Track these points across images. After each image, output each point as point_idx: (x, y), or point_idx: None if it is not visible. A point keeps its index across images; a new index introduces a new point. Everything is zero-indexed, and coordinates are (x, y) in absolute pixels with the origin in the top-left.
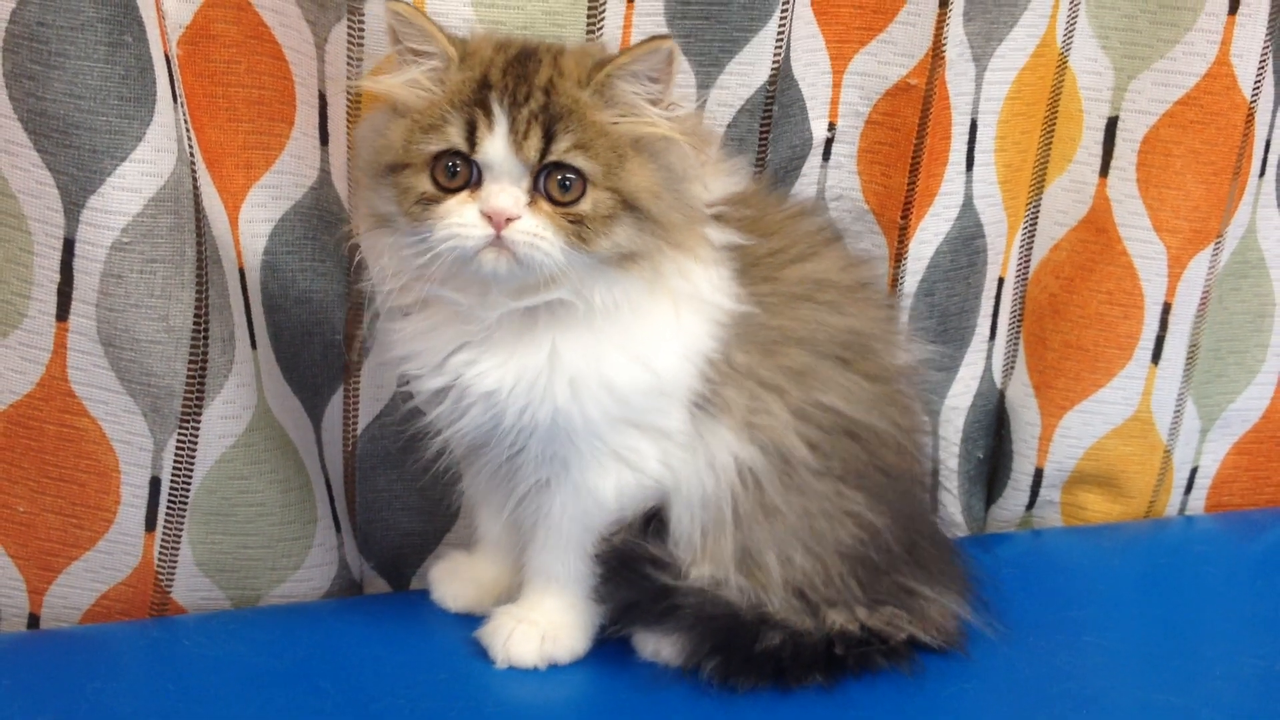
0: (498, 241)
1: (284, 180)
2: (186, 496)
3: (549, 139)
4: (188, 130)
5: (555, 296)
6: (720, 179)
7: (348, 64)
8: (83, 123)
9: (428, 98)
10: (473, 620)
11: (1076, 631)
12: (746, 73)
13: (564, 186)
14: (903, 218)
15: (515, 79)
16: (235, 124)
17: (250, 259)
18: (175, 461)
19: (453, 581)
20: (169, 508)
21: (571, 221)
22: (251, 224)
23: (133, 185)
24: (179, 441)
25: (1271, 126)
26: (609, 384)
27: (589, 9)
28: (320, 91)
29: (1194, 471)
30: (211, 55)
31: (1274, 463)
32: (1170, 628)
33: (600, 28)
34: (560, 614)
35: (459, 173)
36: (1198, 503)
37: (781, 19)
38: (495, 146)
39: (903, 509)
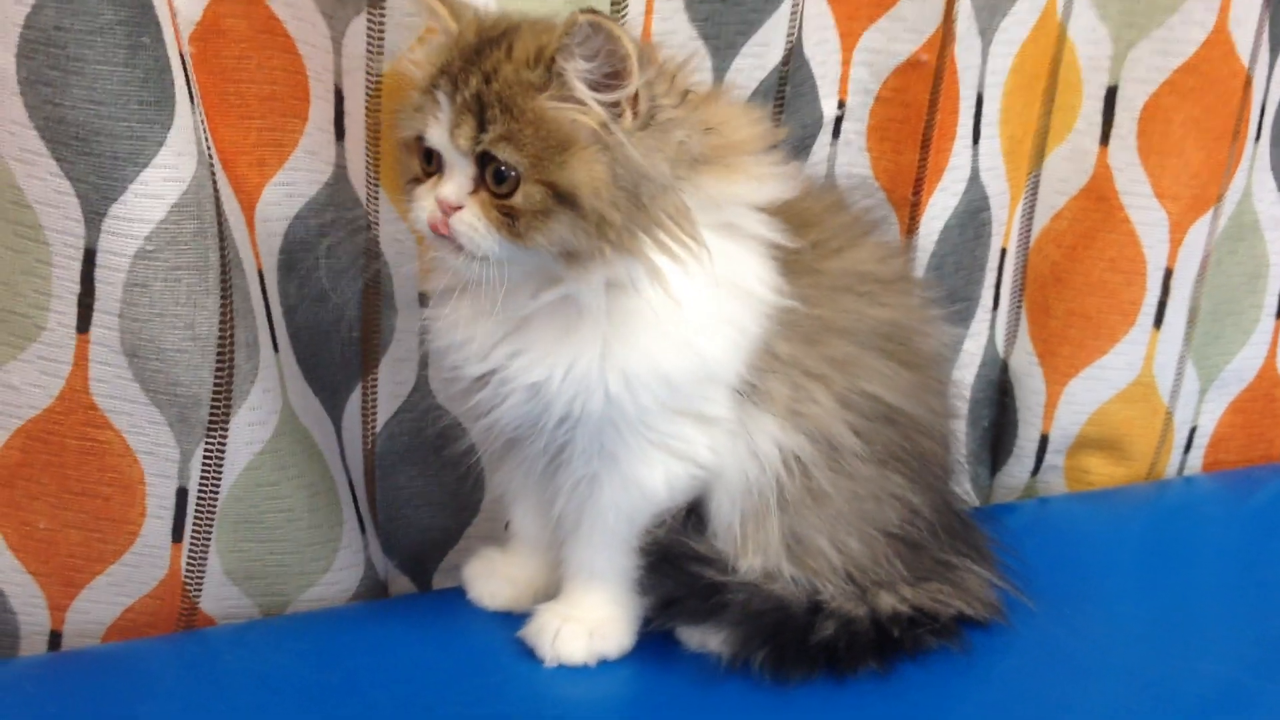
0: (448, 228)
1: (298, 177)
2: (214, 505)
3: (481, 128)
4: (204, 131)
5: (560, 294)
6: (761, 185)
7: (368, 57)
8: (103, 129)
9: (421, 77)
10: (510, 618)
11: (1108, 601)
12: (760, 54)
13: (499, 178)
14: (914, 194)
15: (466, 64)
16: (247, 121)
17: (267, 259)
18: (203, 471)
19: (489, 580)
20: (196, 518)
21: (504, 214)
22: (267, 223)
23: (155, 192)
24: (206, 451)
25: (1266, 91)
26: (662, 372)
27: None
28: (336, 86)
29: (1193, 431)
30: (222, 51)
31: (1267, 420)
32: (1198, 592)
33: (624, 12)
34: (606, 609)
35: (432, 159)
36: (1195, 461)
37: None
38: (437, 134)
39: (938, 488)
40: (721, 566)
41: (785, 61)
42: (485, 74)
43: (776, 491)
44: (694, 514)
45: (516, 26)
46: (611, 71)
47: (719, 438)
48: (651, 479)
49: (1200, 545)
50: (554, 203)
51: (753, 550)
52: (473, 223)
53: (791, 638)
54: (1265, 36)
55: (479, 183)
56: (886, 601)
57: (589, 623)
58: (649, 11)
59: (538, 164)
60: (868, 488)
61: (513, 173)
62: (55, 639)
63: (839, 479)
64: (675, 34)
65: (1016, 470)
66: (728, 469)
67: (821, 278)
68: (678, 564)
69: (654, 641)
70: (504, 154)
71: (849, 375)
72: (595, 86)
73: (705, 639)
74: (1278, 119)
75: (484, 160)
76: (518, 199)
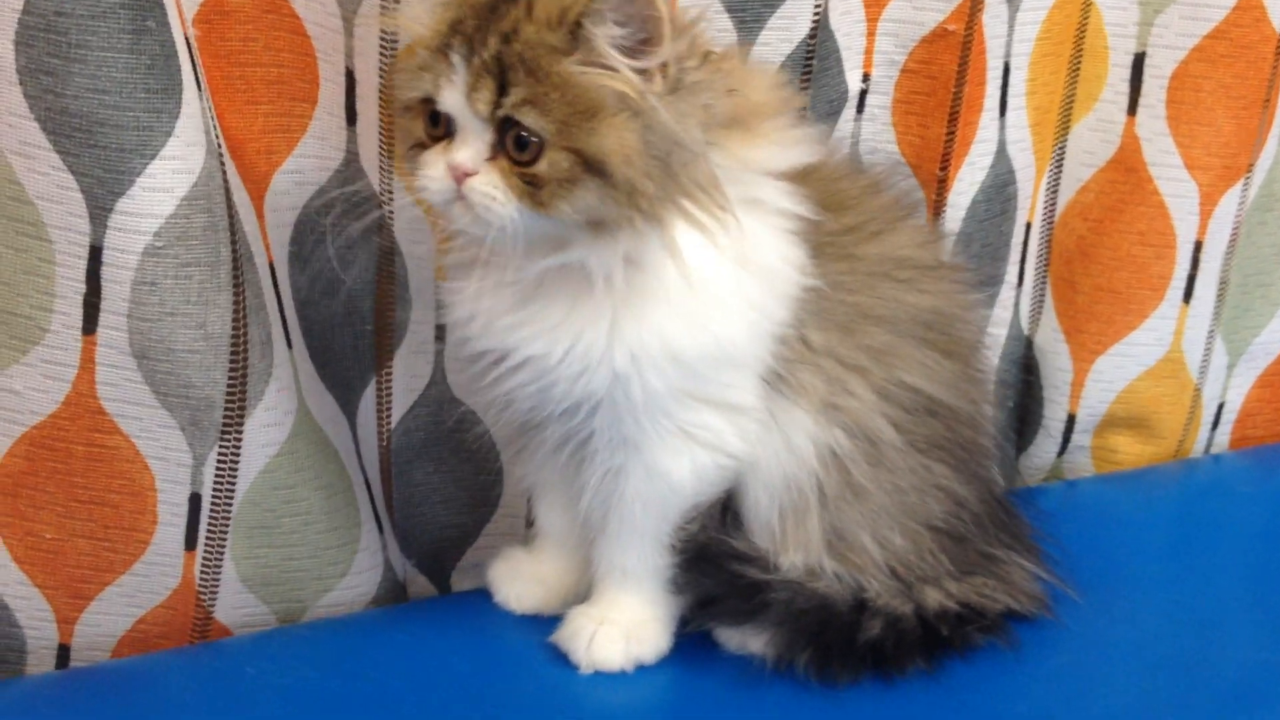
0: (461, 196)
1: (307, 164)
2: (229, 511)
3: (502, 91)
4: (212, 118)
5: (570, 259)
6: (784, 150)
7: (381, 36)
8: (108, 119)
9: (423, 37)
10: (537, 621)
11: (1150, 587)
12: (787, 27)
13: (521, 144)
14: (941, 169)
15: (481, 23)
16: (254, 106)
17: (277, 251)
18: (216, 476)
19: (515, 581)
20: (210, 524)
21: (527, 182)
22: (276, 213)
23: (164, 184)
24: (220, 454)
25: None
26: (672, 351)
27: None
28: (348, 68)
29: (1220, 407)
30: (227, 33)
31: None
32: (1236, 575)
33: None
34: (641, 610)
35: (440, 122)
36: (1223, 438)
37: None
38: (452, 98)
39: (982, 478)
40: (763, 564)
41: (812, 35)
42: (504, 34)
43: (816, 486)
44: (729, 511)
45: None
46: (644, 38)
47: (748, 427)
48: (678, 469)
49: (1234, 526)
50: (582, 171)
51: (793, 547)
52: (491, 191)
53: (837, 637)
54: None
55: (497, 149)
56: (933, 598)
57: (624, 625)
58: None
59: (564, 130)
60: (909, 480)
61: (535, 139)
62: (64, 653)
63: (879, 473)
64: (699, 4)
65: (1042, 451)
66: (763, 461)
67: (858, 263)
68: (716, 562)
69: (691, 643)
70: (529, 119)
71: (887, 366)
72: (626, 52)
73: (745, 640)
74: None
75: (505, 125)
76: (541, 166)
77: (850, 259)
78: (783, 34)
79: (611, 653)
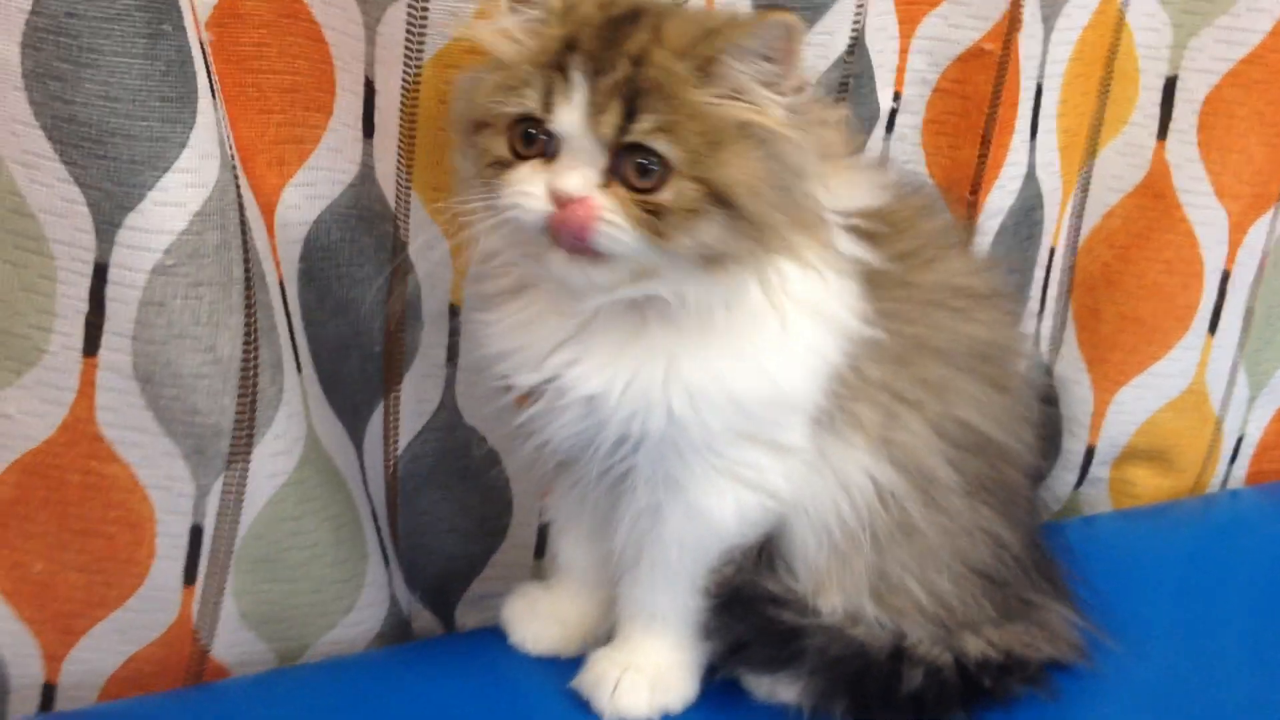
0: (562, 221)
1: (319, 177)
2: (232, 544)
3: (630, 116)
4: (226, 129)
5: (651, 291)
6: (857, 189)
7: (406, 46)
8: (120, 129)
9: (520, 52)
10: (554, 665)
11: (1186, 633)
12: (825, 43)
13: (643, 171)
14: (971, 193)
15: (604, 43)
16: (266, 116)
17: (287, 269)
18: (220, 507)
19: (533, 621)
20: (212, 558)
21: (648, 211)
22: (286, 228)
23: (176, 199)
24: (226, 484)
25: None
26: (732, 394)
27: None
28: (367, 78)
29: (1239, 440)
30: (240, 38)
31: None
32: (1266, 614)
33: None
34: (668, 655)
35: (536, 140)
36: (1240, 471)
37: None
38: (569, 118)
39: (1024, 522)
40: (799, 608)
41: (850, 51)
42: (634, 57)
43: (870, 527)
44: (764, 552)
45: (660, 7)
46: (781, 72)
47: (795, 467)
48: (721, 510)
49: (1259, 565)
50: (708, 202)
51: (836, 589)
52: (613, 219)
53: (875, 687)
54: None
55: (611, 175)
56: (974, 645)
57: (650, 671)
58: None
59: (695, 159)
60: (959, 522)
61: (657, 167)
62: (49, 692)
63: (932, 513)
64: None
65: (1060, 483)
66: (813, 501)
67: (913, 290)
68: (750, 605)
69: (717, 690)
70: (661, 146)
71: (943, 400)
72: (763, 84)
73: (776, 688)
74: None
75: (626, 151)
76: (666, 196)
77: (906, 286)
78: (819, 50)
79: (637, 701)
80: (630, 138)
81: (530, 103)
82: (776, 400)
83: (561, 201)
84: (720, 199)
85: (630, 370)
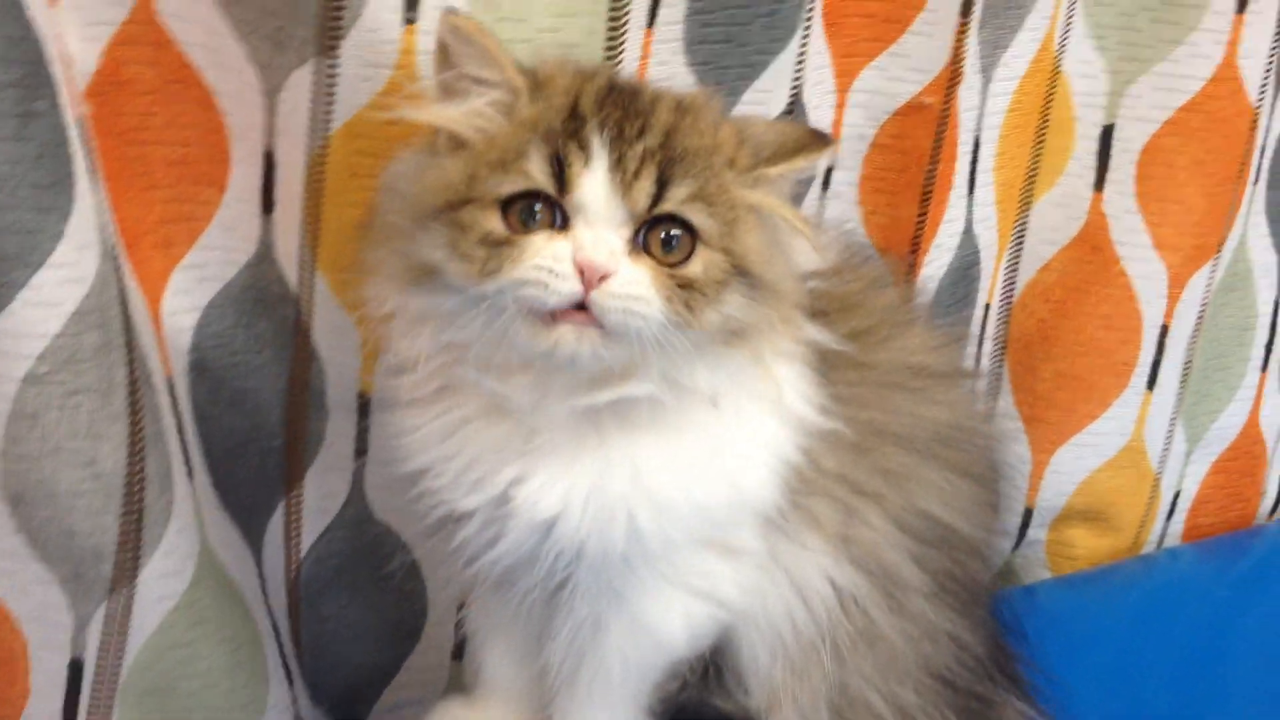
0: (581, 310)
1: (211, 258)
2: (117, 677)
3: (663, 184)
4: (107, 211)
5: (637, 391)
6: (809, 252)
7: (311, 115)
8: None
9: (491, 131)
10: None
11: (1132, 705)
12: (764, 100)
13: (668, 244)
14: (912, 252)
15: (619, 110)
16: (151, 193)
17: (176, 361)
18: (103, 638)
19: None
20: (94, 694)
21: (680, 286)
22: (174, 316)
23: (50, 298)
24: (109, 612)
25: (1268, 130)
26: (697, 501)
27: (608, 37)
28: (267, 149)
29: (1176, 496)
30: (123, 108)
31: (1246, 479)
32: (1222, 677)
33: (620, 53)
34: None
35: (540, 217)
36: (1176, 527)
37: (804, 37)
38: (593, 187)
39: (984, 620)
40: None
41: (789, 109)
42: (664, 128)
43: (826, 635)
44: (713, 666)
45: (639, 85)
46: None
47: (748, 573)
48: (667, 622)
49: (1198, 627)
50: (733, 273)
51: (790, 706)
52: (643, 294)
53: None
54: (1274, 72)
55: (636, 246)
56: None
57: None
58: (645, 55)
59: (726, 231)
60: (923, 626)
61: (689, 238)
62: None
63: (896, 619)
64: (674, 79)
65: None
66: (765, 610)
67: (868, 372)
68: None
69: None
70: (697, 217)
71: (904, 491)
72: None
73: None
74: (1277, 159)
75: (653, 222)
76: (694, 267)
77: (860, 368)
78: (759, 109)
79: None
80: (666, 206)
81: (536, 177)
82: (736, 503)
83: (589, 279)
84: (741, 269)
85: (588, 484)
